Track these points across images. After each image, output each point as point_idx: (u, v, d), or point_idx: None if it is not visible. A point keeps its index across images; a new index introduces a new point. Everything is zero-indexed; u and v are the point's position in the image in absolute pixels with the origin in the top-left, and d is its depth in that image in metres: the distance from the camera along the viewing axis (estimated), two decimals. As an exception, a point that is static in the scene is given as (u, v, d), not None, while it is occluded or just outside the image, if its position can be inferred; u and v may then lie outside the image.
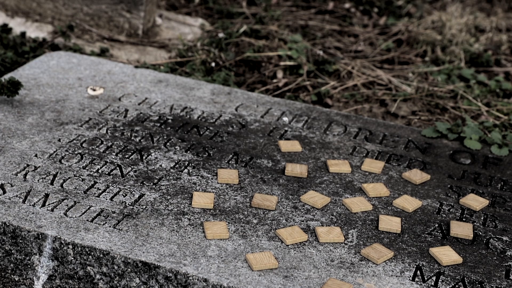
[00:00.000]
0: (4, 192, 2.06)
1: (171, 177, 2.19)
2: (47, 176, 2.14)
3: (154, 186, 2.14)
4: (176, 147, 2.35)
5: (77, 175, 2.16)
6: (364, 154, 2.40)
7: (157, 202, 2.07)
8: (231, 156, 2.33)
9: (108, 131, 2.40)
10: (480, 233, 2.06)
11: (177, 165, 2.25)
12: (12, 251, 1.95)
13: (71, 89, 2.65)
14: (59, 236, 1.90)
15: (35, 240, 1.92)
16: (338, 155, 2.38)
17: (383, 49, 3.58)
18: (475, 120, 2.88)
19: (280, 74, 3.20)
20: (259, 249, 1.92)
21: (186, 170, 2.23)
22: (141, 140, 2.37)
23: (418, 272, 1.89)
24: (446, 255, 1.94)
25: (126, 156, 2.28)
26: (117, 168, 2.21)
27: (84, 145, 2.32)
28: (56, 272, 1.93)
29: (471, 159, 2.43)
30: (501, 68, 3.47)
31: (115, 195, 2.09)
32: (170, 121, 2.50)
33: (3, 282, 1.97)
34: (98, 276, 1.90)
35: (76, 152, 2.27)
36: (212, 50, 3.27)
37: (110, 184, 2.13)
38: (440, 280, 1.87)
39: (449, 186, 2.27)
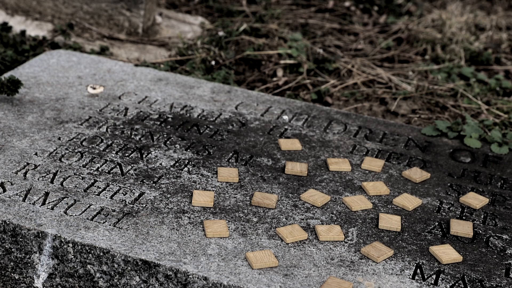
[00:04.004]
0: (4, 190, 2.06)
1: (171, 176, 2.19)
2: (47, 174, 2.14)
3: (154, 184, 2.14)
4: (176, 145, 2.35)
5: (77, 173, 2.16)
6: (364, 153, 2.40)
7: (157, 201, 2.07)
8: (231, 154, 2.33)
9: (108, 130, 2.40)
10: (480, 232, 2.06)
11: (177, 164, 2.25)
12: (12, 250, 1.95)
13: (71, 87, 2.65)
14: (59, 235, 1.90)
15: (35, 239, 1.92)
16: (338, 153, 2.38)
17: (383, 48, 3.58)
18: (475, 119, 2.88)
19: (280, 72, 3.20)
20: (259, 248, 1.92)
21: (186, 169, 2.23)
22: (141, 139, 2.37)
23: (418, 271, 1.89)
24: (446, 253, 1.94)
25: (126, 154, 2.28)
26: (117, 166, 2.22)
27: (84, 143, 2.32)
28: (56, 270, 1.93)
29: (471, 157, 2.43)
30: (501, 66, 3.47)
31: (115, 193, 2.09)
32: (170, 119, 2.50)
33: (3, 281, 1.98)
34: (98, 275, 1.90)
35: (76, 151, 2.27)
36: (212, 49, 3.27)
37: (110, 183, 2.13)
38: (440, 279, 1.87)
39: (449, 184, 2.27)
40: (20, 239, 1.93)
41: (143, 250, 1.87)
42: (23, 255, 1.95)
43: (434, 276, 1.88)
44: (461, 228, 2.04)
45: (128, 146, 2.33)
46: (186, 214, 2.02)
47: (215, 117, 2.54)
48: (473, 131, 2.54)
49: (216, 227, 1.96)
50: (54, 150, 2.27)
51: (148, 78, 2.77)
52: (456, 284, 1.86)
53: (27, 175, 2.13)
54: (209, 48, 3.28)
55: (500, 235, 2.05)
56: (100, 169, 2.19)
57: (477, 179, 2.31)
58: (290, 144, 2.40)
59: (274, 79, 3.15)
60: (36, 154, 2.24)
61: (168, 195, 2.10)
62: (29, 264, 1.95)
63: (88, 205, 2.03)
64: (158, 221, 1.99)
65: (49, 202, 2.02)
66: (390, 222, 2.05)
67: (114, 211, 2.01)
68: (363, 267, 1.89)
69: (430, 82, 3.20)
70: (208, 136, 2.42)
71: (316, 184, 2.21)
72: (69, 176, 2.15)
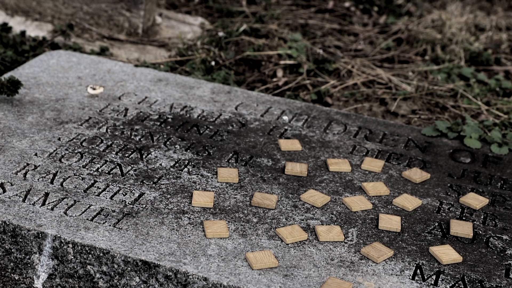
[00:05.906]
0: (4, 191, 2.06)
1: (171, 176, 2.19)
2: (47, 175, 2.14)
3: (154, 185, 2.14)
4: (176, 146, 2.35)
5: (77, 174, 2.16)
6: (364, 153, 2.40)
7: (157, 201, 2.07)
8: (231, 155, 2.33)
9: (108, 130, 2.40)
10: (480, 232, 2.06)
11: (177, 164, 2.25)
12: (12, 250, 1.95)
13: (71, 88, 2.65)
14: (59, 235, 1.90)
15: (35, 239, 1.92)
16: (338, 154, 2.38)
17: (383, 48, 3.58)
18: (475, 119, 2.88)
19: (280, 73, 3.20)
20: (259, 248, 1.92)
21: (186, 169, 2.23)
22: (141, 139, 2.37)
23: (418, 271, 1.89)
24: (446, 254, 1.94)
25: (126, 155, 2.28)
26: (117, 167, 2.22)
27: (84, 144, 2.32)
28: (56, 271, 1.93)
29: (471, 158, 2.43)
30: (501, 67, 3.47)
31: (115, 194, 2.09)
32: (170, 120, 2.50)
33: (3, 281, 1.97)
34: (98, 275, 1.90)
35: (76, 151, 2.27)
36: (212, 49, 3.27)
37: (110, 183, 2.13)
38: (440, 279, 1.87)
39: (449, 185, 2.27)
40: (20, 240, 1.93)
41: (143, 251, 1.87)
42: (23, 255, 1.95)
43: (434, 277, 1.88)
44: (461, 228, 2.04)
45: (128, 146, 2.33)
46: (186, 215, 2.02)
47: (215, 117, 2.54)
48: (473, 132, 2.54)
49: (216, 228, 1.96)
50: (54, 150, 2.27)
51: (148, 78, 2.77)
52: (456, 285, 1.86)
53: (27, 176, 2.13)
54: (209, 49, 3.28)
55: (500, 235, 2.05)
56: (100, 170, 2.19)
57: (477, 179, 2.31)
58: (290, 145, 2.40)
59: (274, 79, 3.15)
60: (36, 154, 2.24)
61: (168, 196, 2.10)
62: (29, 265, 1.95)
63: (88, 205, 2.03)
64: (158, 222, 1.99)
65: (49, 203, 2.02)
66: (390, 222, 2.05)
67: (114, 211, 2.01)
68: (363, 267, 1.89)
69: (430, 83, 3.20)
70: (208, 137, 2.42)
71: (316, 185, 2.21)
72: (69, 176, 2.15)
